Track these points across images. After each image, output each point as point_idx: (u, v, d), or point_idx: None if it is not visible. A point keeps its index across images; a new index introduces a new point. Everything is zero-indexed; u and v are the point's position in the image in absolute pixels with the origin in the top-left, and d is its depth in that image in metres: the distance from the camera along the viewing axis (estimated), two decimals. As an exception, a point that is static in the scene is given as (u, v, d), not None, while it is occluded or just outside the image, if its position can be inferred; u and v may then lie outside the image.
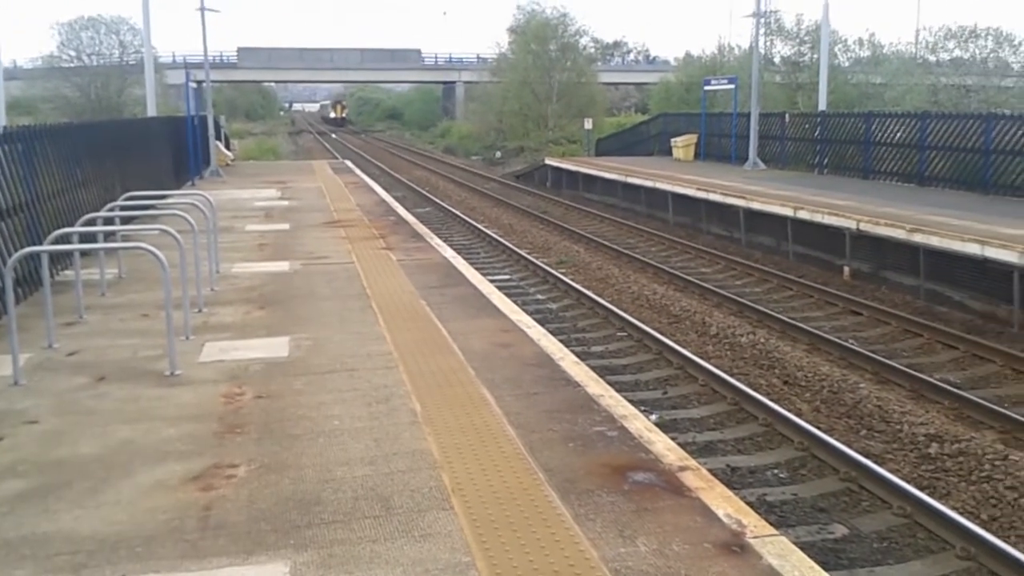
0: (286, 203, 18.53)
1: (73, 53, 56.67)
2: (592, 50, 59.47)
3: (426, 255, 11.71)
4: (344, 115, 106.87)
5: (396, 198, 20.99)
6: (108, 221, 9.84)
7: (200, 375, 6.39)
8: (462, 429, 5.27)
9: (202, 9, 27.91)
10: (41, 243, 8.69)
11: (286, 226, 14.80)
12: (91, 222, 9.26)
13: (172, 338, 6.52)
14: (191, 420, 5.45)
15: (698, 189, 20.84)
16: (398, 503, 4.29)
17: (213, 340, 7.36)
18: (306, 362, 6.73)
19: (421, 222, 15.71)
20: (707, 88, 33.00)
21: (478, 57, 72.48)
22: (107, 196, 12.35)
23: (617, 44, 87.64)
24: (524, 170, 37.44)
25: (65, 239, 8.24)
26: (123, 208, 10.33)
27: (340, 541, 3.91)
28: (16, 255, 6.81)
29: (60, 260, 10.12)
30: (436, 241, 13.05)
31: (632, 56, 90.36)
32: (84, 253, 9.26)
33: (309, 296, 9.18)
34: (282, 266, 10.97)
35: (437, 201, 27.80)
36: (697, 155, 30.32)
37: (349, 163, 34.10)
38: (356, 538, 3.94)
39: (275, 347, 7.15)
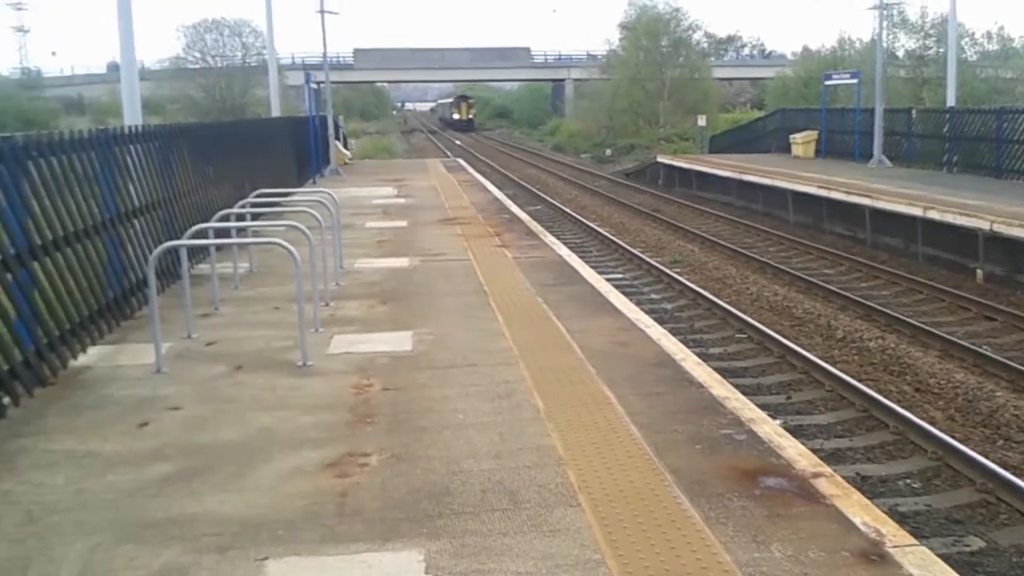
0: (403, 201, 18.92)
1: (198, 55, 59.39)
2: (705, 45, 58.53)
3: (540, 252, 11.75)
4: (471, 116, 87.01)
5: (508, 196, 21.15)
6: (240, 217, 10.27)
7: (330, 366, 6.59)
8: (585, 427, 5.27)
9: (322, 12, 28.78)
10: (176, 238, 9.14)
11: (404, 223, 15.11)
12: (225, 218, 9.67)
13: (304, 330, 6.75)
14: (324, 409, 5.63)
15: (819, 187, 20.22)
16: (525, 497, 4.32)
17: (340, 333, 7.57)
18: (429, 356, 6.86)
19: (534, 219, 15.78)
20: (828, 83, 31.95)
21: (588, 54, 72.35)
22: (236, 194, 12.87)
23: (731, 38, 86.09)
24: (635, 168, 37.13)
25: (202, 234, 8.63)
26: (253, 205, 10.76)
27: (471, 532, 3.97)
28: (158, 249, 7.18)
29: (195, 254, 10.61)
30: (550, 239, 13.08)
31: (747, 51, 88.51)
32: (218, 248, 9.68)
33: (429, 292, 9.34)
34: (402, 262, 11.20)
35: (548, 199, 27.87)
36: (817, 152, 29.38)
37: (461, 161, 34.54)
38: (486, 530, 3.99)
39: (399, 341, 7.30)
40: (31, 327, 6.11)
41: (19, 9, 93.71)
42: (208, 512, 4.22)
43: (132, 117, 11.13)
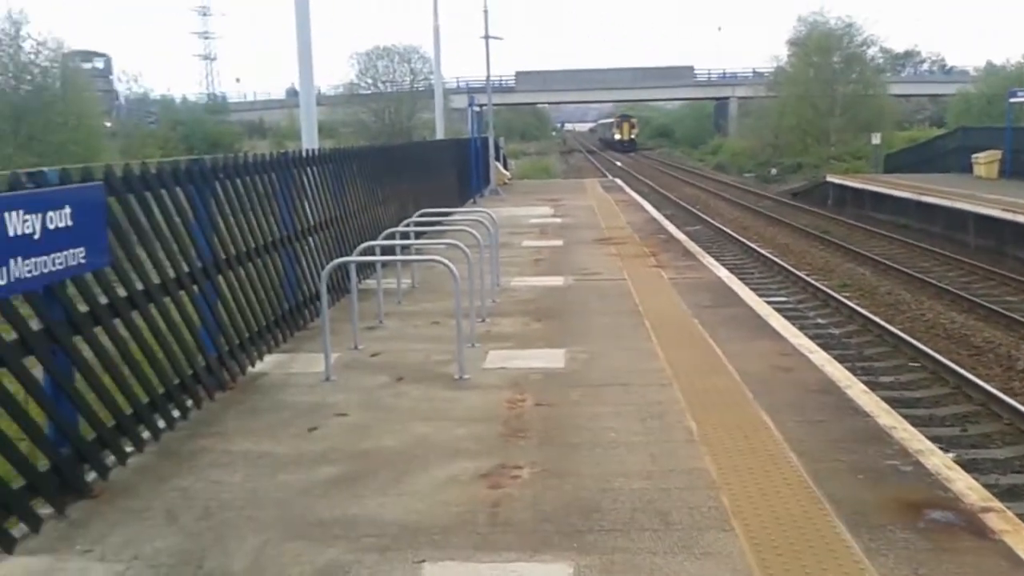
0: (559, 220, 19.11)
1: (370, 81, 62.26)
2: (881, 60, 55.93)
3: (698, 274, 11.58)
4: (633, 136, 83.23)
5: (666, 216, 20.96)
6: (404, 235, 10.70)
7: (485, 380, 6.76)
8: (740, 451, 5.16)
9: (486, 37, 29.63)
10: (346, 254, 9.61)
11: (559, 242, 15.26)
12: (391, 236, 10.10)
13: (461, 345, 6.96)
14: (479, 421, 5.78)
15: (1004, 210, 18.90)
16: (676, 519, 4.28)
17: (496, 348, 7.74)
18: (582, 374, 6.90)
19: (692, 240, 15.56)
20: (1012, 100, 29.92)
21: (753, 71, 70.63)
22: (403, 212, 13.40)
23: (908, 53, 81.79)
24: (802, 188, 35.93)
25: (369, 251, 9.05)
26: (416, 224, 11.18)
27: (620, 549, 3.98)
28: (331, 265, 7.60)
29: (362, 270, 11.12)
30: (708, 260, 12.86)
31: (926, 66, 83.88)
32: (384, 264, 10.12)
33: (583, 311, 9.40)
34: (556, 281, 11.31)
35: (708, 219, 27.39)
36: (1002, 173, 27.52)
37: (619, 181, 34.51)
38: (636, 548, 3.98)
39: (552, 358, 7.38)
40: (214, 335, 6.60)
41: (206, 38, 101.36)
42: (369, 514, 4.43)
43: (309, 141, 11.78)
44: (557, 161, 67.26)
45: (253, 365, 7.18)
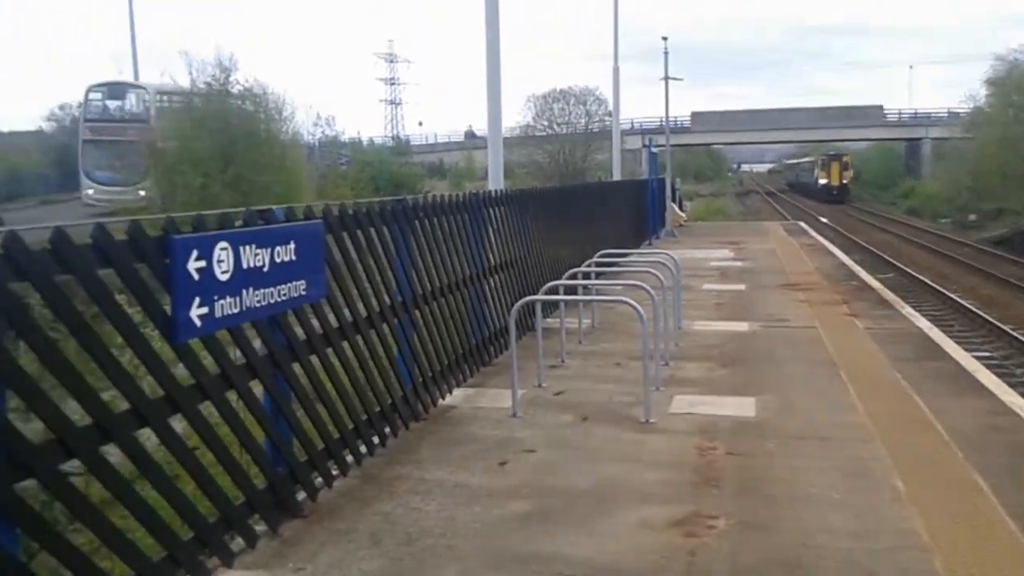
0: (739, 264, 18.64)
1: (545, 123, 63.38)
2: (1091, 101, 51.44)
3: (895, 324, 10.97)
4: (846, 181, 65.43)
5: (855, 261, 20.03)
6: (585, 275, 10.76)
7: (672, 425, 6.66)
8: (952, 514, 4.82)
9: (666, 78, 29.58)
10: (526, 293, 9.76)
11: (742, 287, 14.87)
12: (573, 276, 10.19)
13: (648, 387, 6.90)
14: (668, 467, 5.70)
15: None
16: (887, 583, 4.05)
17: (681, 393, 7.62)
18: (775, 425, 6.67)
19: (886, 288, 14.78)
20: None
21: (948, 111, 66.71)
22: (579, 253, 13.47)
23: None
24: (1005, 235, 33.50)
25: (555, 290, 9.18)
26: (597, 264, 11.23)
27: (828, 611, 3.80)
28: (520, 302, 7.76)
29: (544, 308, 11.24)
30: (907, 310, 12.16)
31: None
32: (565, 303, 10.21)
33: (771, 358, 9.10)
34: (741, 326, 11.02)
35: (901, 267, 25.92)
36: None
37: (803, 224, 33.32)
38: (845, 611, 3.80)
39: (742, 406, 7.18)
40: (410, 367, 6.87)
41: (392, 84, 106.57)
42: (562, 552, 4.44)
43: (496, 182, 12.12)
44: (733, 203, 65.81)
45: (444, 398, 7.41)
